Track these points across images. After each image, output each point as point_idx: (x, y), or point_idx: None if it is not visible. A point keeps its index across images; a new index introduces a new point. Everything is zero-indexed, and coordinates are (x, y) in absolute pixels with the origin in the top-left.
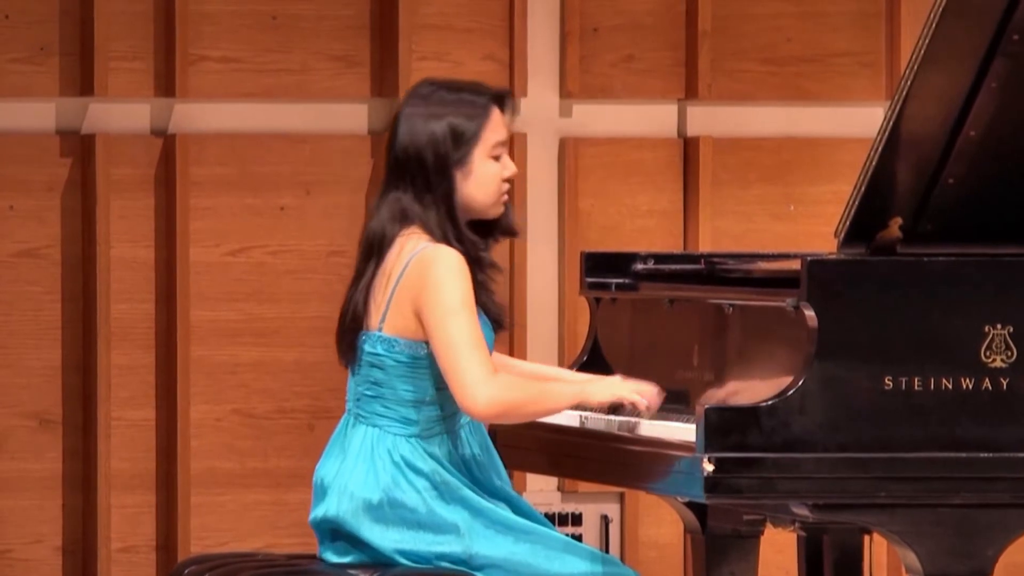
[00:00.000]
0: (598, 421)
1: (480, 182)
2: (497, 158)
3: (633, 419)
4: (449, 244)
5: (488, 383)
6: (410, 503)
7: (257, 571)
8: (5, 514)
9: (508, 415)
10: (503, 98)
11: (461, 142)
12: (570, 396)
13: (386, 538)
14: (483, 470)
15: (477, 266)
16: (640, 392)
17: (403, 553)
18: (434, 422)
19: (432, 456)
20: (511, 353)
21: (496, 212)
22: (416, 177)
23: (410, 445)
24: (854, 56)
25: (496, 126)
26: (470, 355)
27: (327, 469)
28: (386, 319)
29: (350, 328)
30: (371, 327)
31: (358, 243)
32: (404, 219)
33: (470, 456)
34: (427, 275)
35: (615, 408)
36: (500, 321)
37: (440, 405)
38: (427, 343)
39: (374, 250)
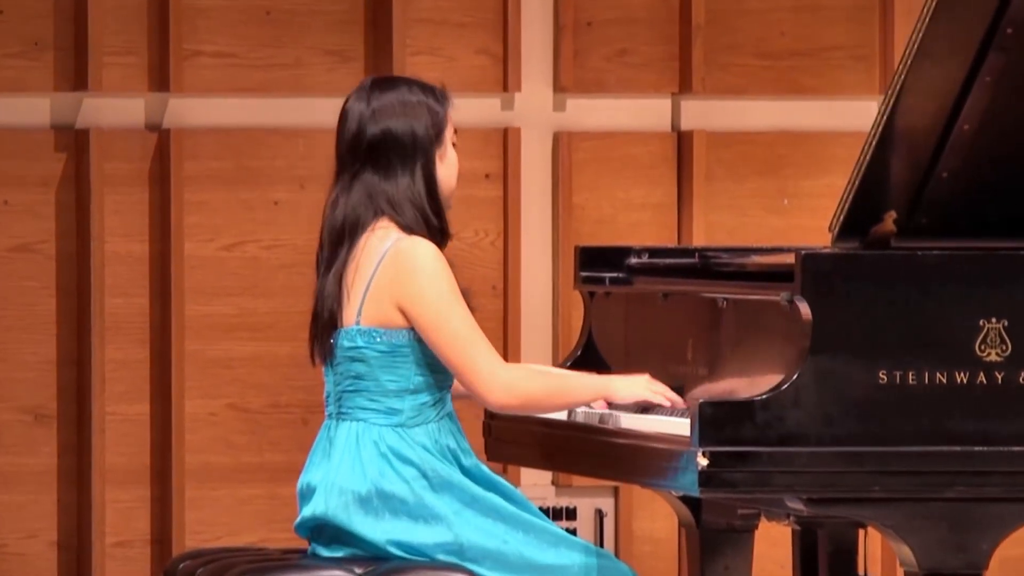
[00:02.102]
0: (590, 415)
1: (450, 164)
2: (454, 145)
3: (626, 413)
4: (424, 229)
5: (505, 370)
6: (399, 494)
7: (251, 565)
8: (0, 509)
9: (527, 405)
10: (448, 93)
11: (436, 121)
12: (592, 390)
13: (378, 529)
14: (469, 458)
15: (444, 244)
16: (665, 395)
17: (395, 544)
18: (418, 410)
19: (420, 444)
20: (505, 347)
21: (450, 203)
22: (393, 158)
23: (396, 435)
24: (848, 50)
25: (451, 113)
26: (478, 347)
27: (312, 475)
28: (363, 312)
29: (328, 323)
30: (347, 322)
31: (321, 230)
32: (376, 204)
33: (456, 444)
34: (410, 272)
35: (644, 408)
36: (468, 302)
37: (424, 392)
38: (407, 331)
39: (345, 236)
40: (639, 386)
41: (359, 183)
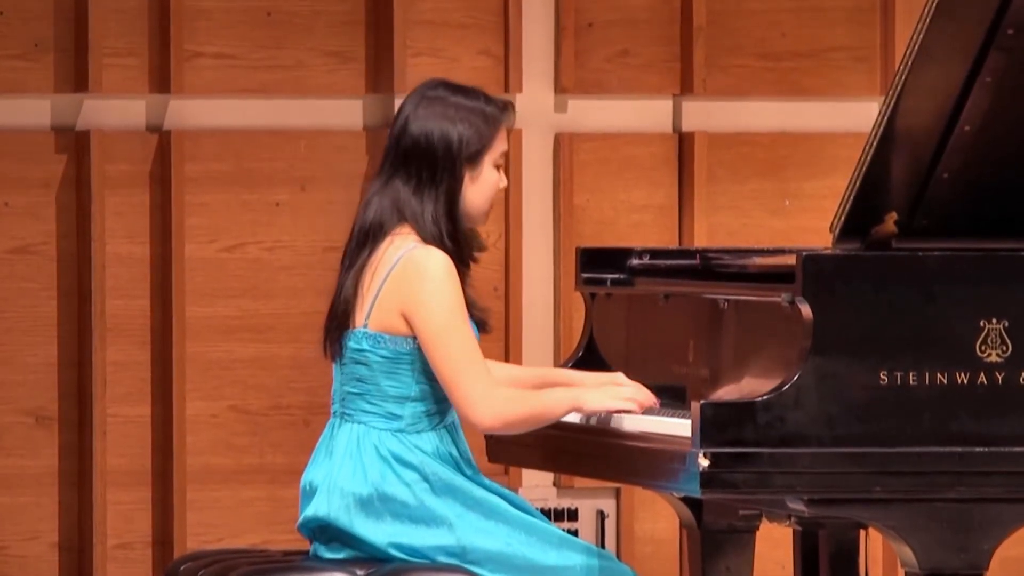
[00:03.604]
0: (592, 417)
1: (483, 187)
2: (498, 167)
3: (628, 415)
4: (440, 243)
5: (492, 398)
6: (401, 497)
7: (252, 567)
8: (1, 511)
9: (511, 428)
10: (508, 111)
11: (476, 144)
12: (566, 405)
13: (379, 532)
14: (470, 466)
15: (465, 267)
16: (633, 399)
17: (397, 547)
18: (419, 417)
19: (420, 449)
20: (507, 349)
21: (482, 221)
22: (423, 171)
23: (397, 440)
24: (849, 51)
25: (503, 137)
26: (471, 370)
27: (315, 473)
28: (371, 316)
29: (342, 320)
30: (356, 324)
31: (352, 228)
32: (401, 212)
33: (457, 453)
34: (419, 282)
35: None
36: (484, 323)
37: (425, 401)
38: (411, 339)
39: (368, 239)
40: (607, 397)
41: (391, 188)
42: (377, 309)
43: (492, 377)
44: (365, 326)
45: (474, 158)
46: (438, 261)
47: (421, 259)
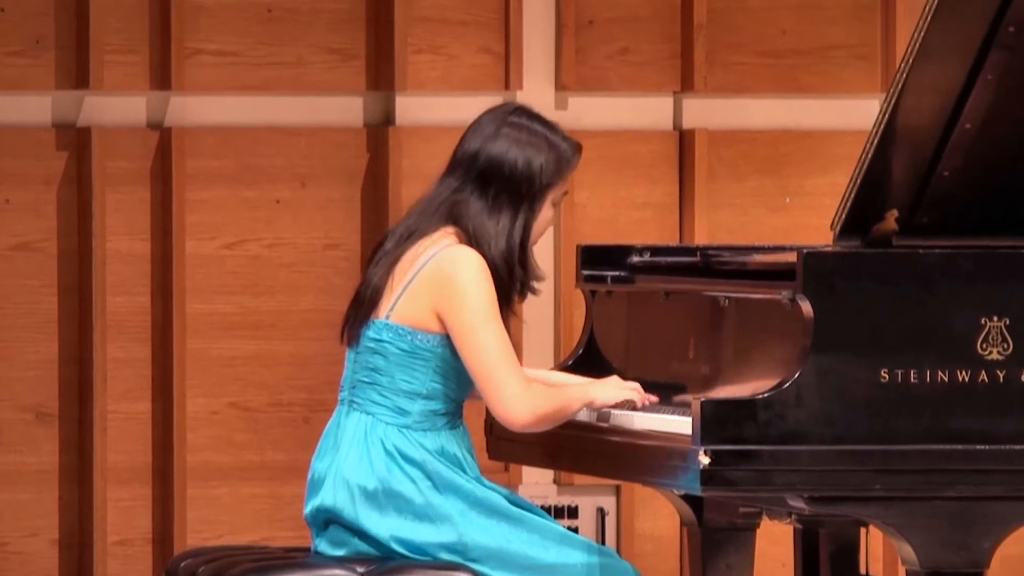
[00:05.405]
0: (592, 414)
1: (541, 222)
2: (554, 205)
3: (629, 412)
4: (509, 266)
5: (526, 395)
6: (406, 493)
7: (253, 564)
8: (1, 507)
9: (541, 424)
10: (579, 153)
11: (546, 181)
12: (580, 401)
13: (383, 525)
14: (472, 469)
15: (522, 296)
16: (637, 391)
17: (399, 541)
18: (426, 416)
19: (423, 447)
20: None
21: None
22: (503, 194)
23: (402, 435)
24: (850, 48)
25: (568, 178)
26: (506, 368)
27: (322, 463)
28: (395, 308)
29: (367, 307)
30: (378, 315)
31: (395, 227)
32: (459, 223)
33: (461, 455)
34: (453, 279)
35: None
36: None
37: (436, 400)
38: (436, 336)
39: (407, 238)
40: (613, 388)
41: (456, 199)
42: (404, 302)
43: (524, 375)
44: (388, 317)
45: (543, 195)
46: (472, 259)
47: (456, 257)
